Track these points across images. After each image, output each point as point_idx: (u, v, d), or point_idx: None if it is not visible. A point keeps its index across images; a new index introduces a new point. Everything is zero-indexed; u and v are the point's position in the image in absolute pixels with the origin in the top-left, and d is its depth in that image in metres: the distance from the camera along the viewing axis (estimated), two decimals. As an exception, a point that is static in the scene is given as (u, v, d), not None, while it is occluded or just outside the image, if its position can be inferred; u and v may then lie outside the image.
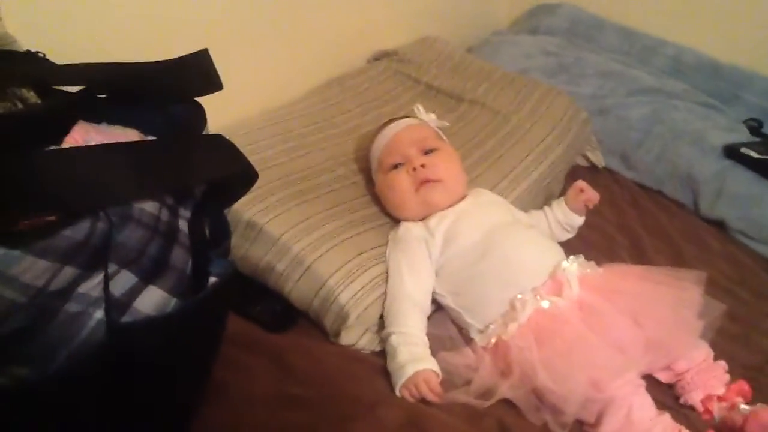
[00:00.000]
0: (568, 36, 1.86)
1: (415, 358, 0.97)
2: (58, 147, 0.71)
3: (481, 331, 1.03)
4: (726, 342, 1.09)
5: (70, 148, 0.63)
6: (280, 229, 1.07)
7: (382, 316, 1.05)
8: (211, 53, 0.81)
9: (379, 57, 1.69)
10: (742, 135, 1.52)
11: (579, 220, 1.22)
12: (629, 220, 1.40)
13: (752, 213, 1.37)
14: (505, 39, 1.87)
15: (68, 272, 0.60)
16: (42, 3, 1.03)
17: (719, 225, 1.42)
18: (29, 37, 0.95)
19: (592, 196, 1.20)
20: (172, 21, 1.22)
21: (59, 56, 0.88)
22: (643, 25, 1.84)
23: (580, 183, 1.20)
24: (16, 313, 0.58)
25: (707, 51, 1.75)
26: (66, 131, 0.72)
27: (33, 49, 0.92)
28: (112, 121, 0.78)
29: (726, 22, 1.74)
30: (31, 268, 0.57)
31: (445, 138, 1.23)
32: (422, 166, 1.11)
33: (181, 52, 0.81)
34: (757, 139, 1.50)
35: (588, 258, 1.09)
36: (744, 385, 1.01)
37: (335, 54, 1.61)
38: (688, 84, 1.68)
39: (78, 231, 0.59)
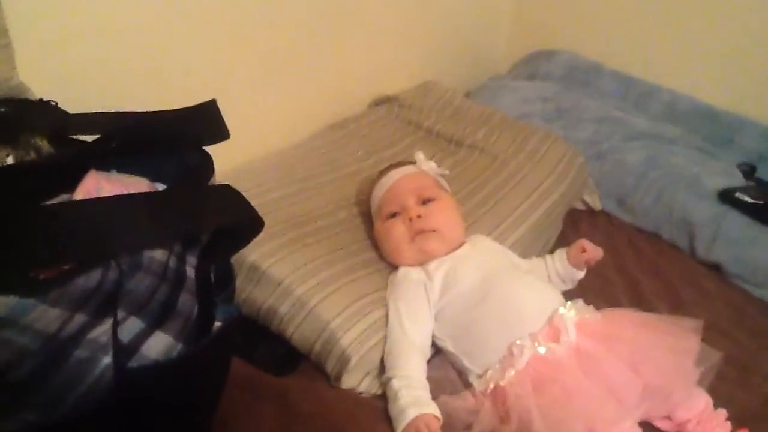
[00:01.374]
0: (565, 82, 1.89)
1: (416, 402, 0.98)
2: (70, 195, 0.74)
3: (479, 376, 1.04)
4: (725, 386, 1.10)
5: (85, 199, 0.65)
6: (283, 273, 1.09)
7: (382, 360, 1.06)
8: (218, 99, 0.85)
9: (380, 102, 1.73)
10: (736, 179, 1.54)
11: (579, 275, 1.23)
12: (627, 263, 1.41)
13: (747, 256, 1.39)
14: (504, 84, 1.91)
15: (79, 319, 0.62)
16: (54, 53, 1.07)
17: (716, 268, 1.43)
18: (42, 86, 0.99)
19: (594, 255, 1.19)
20: (180, 70, 1.26)
21: (70, 105, 0.91)
22: (640, 71, 1.88)
23: (584, 242, 1.20)
24: (27, 360, 0.60)
25: (702, 97, 1.78)
26: (78, 180, 0.75)
27: (45, 98, 0.96)
28: (121, 169, 0.81)
29: (720, 69, 1.78)
30: (44, 316, 0.59)
31: (445, 185, 1.26)
32: (418, 216, 1.13)
33: (189, 100, 0.84)
34: (752, 184, 1.52)
35: (586, 302, 1.11)
36: (746, 433, 1.02)
37: (338, 99, 1.65)
38: (683, 129, 1.71)
39: (90, 280, 0.61)
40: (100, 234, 0.61)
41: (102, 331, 0.65)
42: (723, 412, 1.04)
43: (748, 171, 1.60)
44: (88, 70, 1.11)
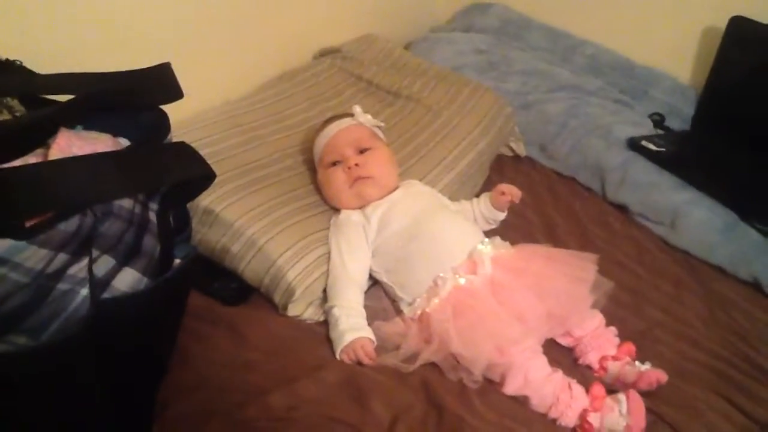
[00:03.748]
0: (498, 34, 1.99)
1: (353, 327, 1.10)
2: (45, 150, 0.83)
3: (409, 304, 1.17)
4: (620, 311, 1.26)
5: (65, 158, 0.75)
6: (235, 215, 1.18)
7: (324, 291, 1.17)
8: (169, 54, 0.92)
9: (324, 54, 1.80)
10: (647, 128, 1.69)
11: (501, 216, 1.34)
12: (545, 204, 1.55)
13: (649, 198, 1.53)
14: (441, 37, 1.99)
15: (61, 258, 0.72)
16: (17, 15, 1.12)
17: (623, 209, 1.58)
18: (5, 46, 1.05)
19: (513, 196, 1.30)
20: (137, 29, 1.31)
21: (33, 65, 0.98)
22: (568, 25, 1.98)
23: (503, 186, 1.31)
24: (20, 292, 0.70)
25: (623, 51, 1.90)
26: (48, 136, 0.84)
27: (12, 59, 1.03)
28: (86, 126, 0.89)
29: (641, 25, 1.89)
30: (33, 256, 0.69)
31: (381, 135, 1.35)
32: (356, 165, 1.24)
33: (145, 57, 0.91)
34: (660, 132, 1.68)
35: (506, 238, 1.24)
36: (631, 346, 1.17)
37: (283, 51, 1.70)
38: (603, 81, 1.83)
39: (70, 225, 0.71)
40: (78, 188, 0.71)
41: (80, 267, 0.75)
42: (613, 329, 1.20)
43: (659, 121, 1.76)
44: (49, 31, 1.16)
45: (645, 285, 1.38)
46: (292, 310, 1.16)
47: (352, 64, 1.74)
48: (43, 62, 0.97)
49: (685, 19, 1.81)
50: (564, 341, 1.21)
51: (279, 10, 1.64)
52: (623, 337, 1.20)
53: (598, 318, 1.20)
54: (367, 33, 1.88)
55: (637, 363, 1.14)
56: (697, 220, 1.48)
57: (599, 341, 1.18)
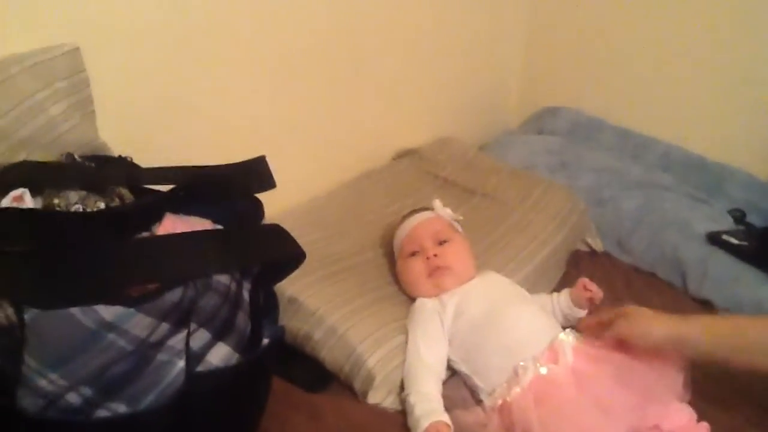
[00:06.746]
0: (569, 136, 2.03)
1: (429, 413, 1.09)
2: (151, 234, 0.90)
3: (489, 394, 1.15)
4: (710, 406, 1.20)
5: (172, 234, 0.82)
6: (317, 303, 1.24)
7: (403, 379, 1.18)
8: (266, 154, 1.00)
9: (402, 155, 1.89)
10: (726, 224, 1.66)
11: (581, 313, 1.32)
12: (623, 299, 1.49)
13: (735, 293, 1.49)
14: (514, 139, 2.06)
15: (164, 328, 0.77)
16: (128, 118, 1.24)
17: (706, 304, 1.53)
18: (119, 144, 1.16)
19: (595, 293, 1.28)
20: (236, 129, 1.44)
21: (142, 160, 1.08)
22: (637, 125, 2.01)
23: (584, 280, 1.30)
24: (124, 359, 0.75)
25: (693, 148, 1.91)
26: (157, 221, 0.91)
27: (123, 155, 1.14)
28: (188, 213, 0.95)
29: (709, 122, 1.91)
30: (140, 323, 0.74)
31: (459, 228, 1.39)
32: (435, 255, 1.28)
33: (243, 153, 1.00)
34: (740, 227, 1.65)
35: (585, 332, 1.22)
36: (724, 446, 1.13)
37: (365, 153, 1.81)
38: (675, 178, 1.83)
39: (174, 295, 0.77)
40: (183, 261, 0.78)
41: (179, 339, 0.79)
42: (705, 425, 1.13)
43: (740, 216, 1.73)
44: (155, 132, 1.29)
45: (736, 380, 1.31)
46: (372, 398, 1.17)
47: (429, 164, 1.82)
48: (150, 160, 1.06)
49: (758, 116, 1.82)
50: (653, 436, 1.16)
51: (361, 114, 1.75)
52: (716, 434, 1.14)
53: (687, 412, 1.15)
54: (444, 136, 1.96)
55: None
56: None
57: (690, 437, 1.13)
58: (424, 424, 1.08)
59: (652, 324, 1.11)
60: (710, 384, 1.21)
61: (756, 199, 1.77)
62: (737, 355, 1.08)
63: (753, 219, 1.71)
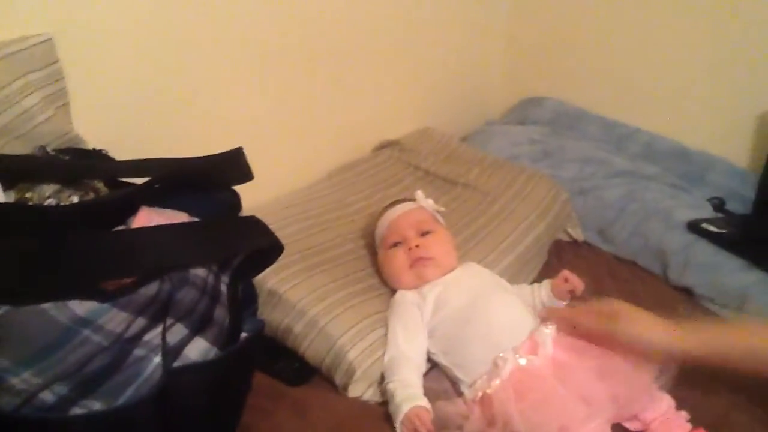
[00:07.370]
0: (552, 126, 2.03)
1: (408, 398, 1.09)
2: (126, 227, 0.89)
3: (470, 386, 1.15)
4: (690, 393, 1.21)
5: (147, 227, 0.81)
6: (297, 296, 1.23)
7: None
8: (245, 147, 0.98)
9: (383, 146, 1.88)
10: (707, 212, 1.67)
11: (561, 305, 1.31)
12: (606, 288, 1.52)
13: (716, 280, 1.50)
14: (496, 129, 2.05)
15: (139, 323, 0.75)
16: (103, 110, 1.23)
17: (687, 291, 1.54)
18: (94, 137, 1.15)
19: (576, 285, 1.28)
20: (214, 122, 1.42)
21: (117, 153, 1.07)
22: (621, 115, 2.01)
23: (566, 272, 1.30)
24: (100, 355, 0.73)
25: (677, 138, 1.91)
26: (132, 214, 0.90)
27: (98, 147, 1.12)
28: (164, 206, 0.93)
29: (694, 112, 1.91)
30: (115, 318, 0.72)
31: (441, 220, 1.39)
32: (417, 246, 1.27)
33: (221, 146, 0.98)
34: (720, 215, 1.67)
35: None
36: (702, 432, 1.13)
37: (346, 144, 1.80)
38: (659, 167, 1.83)
39: (150, 289, 0.75)
40: (159, 254, 0.76)
41: (155, 334, 0.78)
42: (684, 414, 1.15)
43: (719, 204, 1.74)
44: (131, 125, 1.27)
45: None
46: (353, 391, 1.17)
47: (410, 155, 1.81)
48: (125, 153, 1.05)
49: (739, 106, 1.82)
50: (632, 426, 1.16)
51: (341, 106, 1.74)
52: (698, 422, 1.15)
53: (667, 400, 1.16)
54: (425, 126, 1.96)
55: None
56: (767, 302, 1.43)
57: (669, 426, 1.13)
58: (405, 408, 1.08)
59: (653, 331, 1.09)
60: (690, 370, 1.21)
61: (738, 187, 1.78)
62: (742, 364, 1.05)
63: (736, 207, 1.72)
